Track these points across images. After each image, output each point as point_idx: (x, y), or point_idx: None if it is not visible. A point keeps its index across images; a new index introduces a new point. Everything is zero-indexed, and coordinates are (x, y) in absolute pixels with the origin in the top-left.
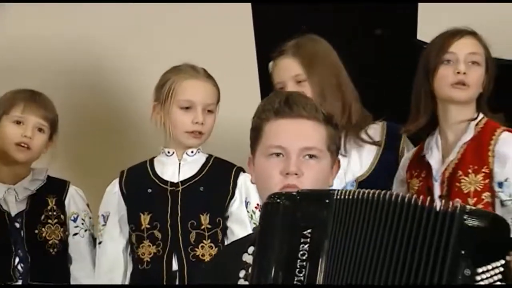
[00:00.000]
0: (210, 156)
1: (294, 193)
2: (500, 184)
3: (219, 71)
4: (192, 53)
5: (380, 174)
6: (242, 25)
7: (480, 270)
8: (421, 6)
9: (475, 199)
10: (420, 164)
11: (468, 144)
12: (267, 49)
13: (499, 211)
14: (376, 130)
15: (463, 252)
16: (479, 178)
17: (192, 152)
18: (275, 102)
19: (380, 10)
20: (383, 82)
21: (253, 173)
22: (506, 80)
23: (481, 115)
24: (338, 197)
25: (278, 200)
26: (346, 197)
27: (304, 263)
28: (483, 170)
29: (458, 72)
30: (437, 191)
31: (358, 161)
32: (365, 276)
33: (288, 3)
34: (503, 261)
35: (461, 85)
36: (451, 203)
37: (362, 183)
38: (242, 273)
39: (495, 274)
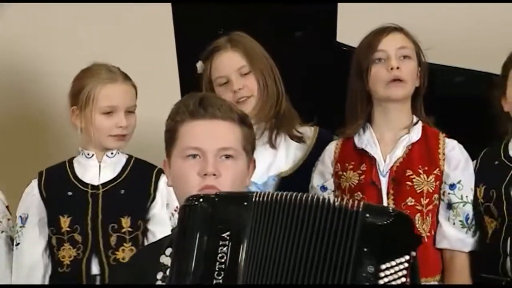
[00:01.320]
0: (130, 157)
1: (213, 196)
2: (452, 186)
3: (140, 71)
4: (113, 53)
5: (304, 175)
6: (163, 25)
7: (383, 266)
8: (340, 7)
9: (427, 199)
10: (357, 157)
11: (415, 144)
12: (187, 48)
13: (442, 213)
14: (306, 131)
15: (365, 249)
16: (431, 179)
17: (112, 153)
18: (190, 104)
19: (299, 11)
20: (303, 83)
21: (169, 176)
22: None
23: (416, 118)
24: (257, 199)
25: (196, 203)
26: (265, 199)
27: (223, 266)
28: (434, 172)
29: (392, 68)
30: (384, 186)
31: (284, 156)
32: (282, 277)
33: (208, 3)
34: (407, 257)
35: (397, 81)
36: (356, 201)
37: (285, 179)
38: (159, 275)
39: (400, 270)
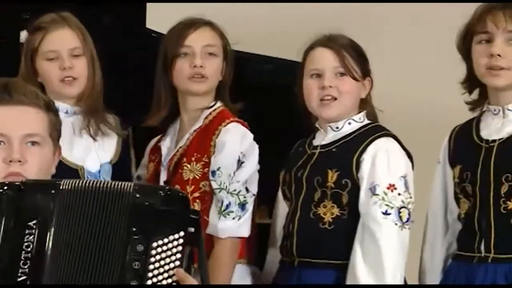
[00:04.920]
0: None
1: (18, 183)
2: (213, 173)
3: None
4: None
5: (123, 162)
6: None
7: (155, 244)
8: None
9: (193, 186)
10: (157, 149)
11: (197, 132)
12: None
13: (213, 200)
14: (113, 121)
15: (134, 229)
16: (198, 166)
17: None
18: None
19: None
20: (111, 71)
21: None
22: (243, 72)
23: (218, 104)
24: (65, 187)
25: (1, 191)
26: (72, 187)
27: (29, 255)
28: (203, 159)
29: (195, 66)
30: (163, 177)
31: (105, 145)
32: (80, 265)
33: None
34: (182, 233)
35: (199, 77)
36: (128, 183)
37: (115, 165)
38: None
39: (174, 247)
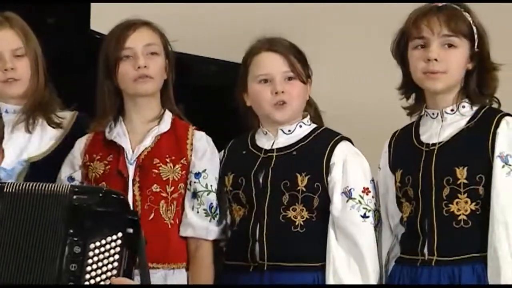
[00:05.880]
0: None
1: None
2: (197, 175)
3: None
4: None
5: (56, 160)
6: None
7: (92, 245)
8: None
9: (173, 187)
10: (104, 148)
11: (164, 135)
12: None
13: (187, 202)
14: (66, 116)
15: (71, 231)
16: (177, 168)
17: None
18: None
19: None
20: (57, 71)
21: None
22: (185, 73)
23: (163, 109)
24: (8, 190)
25: None
26: (15, 190)
27: None
28: (181, 161)
29: (139, 67)
30: (131, 174)
31: (38, 141)
32: (20, 267)
33: None
34: (120, 234)
35: (144, 77)
36: (66, 185)
37: (35, 164)
38: None
39: (112, 248)
